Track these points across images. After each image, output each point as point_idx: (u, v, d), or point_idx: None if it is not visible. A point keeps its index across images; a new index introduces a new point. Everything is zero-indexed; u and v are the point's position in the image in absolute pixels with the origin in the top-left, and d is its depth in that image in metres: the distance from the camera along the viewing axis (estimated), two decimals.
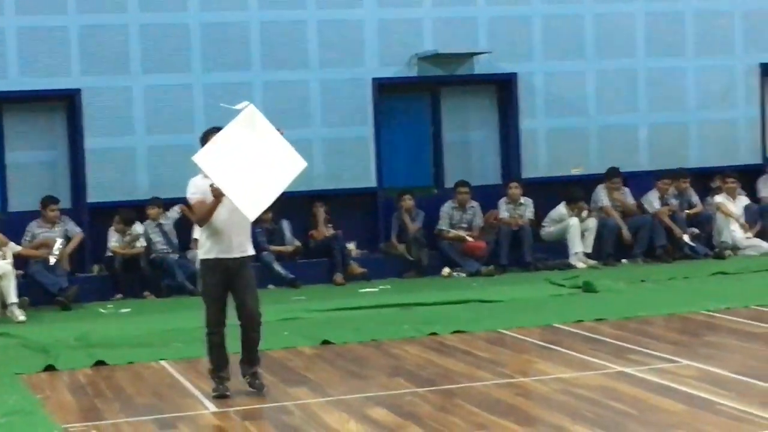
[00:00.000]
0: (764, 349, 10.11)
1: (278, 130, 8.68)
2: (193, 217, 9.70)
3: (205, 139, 8.85)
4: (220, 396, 8.77)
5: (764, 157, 17.64)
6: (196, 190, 8.80)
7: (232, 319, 8.93)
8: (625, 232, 16.21)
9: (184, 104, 15.55)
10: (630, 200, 16.61)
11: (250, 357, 8.92)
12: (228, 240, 8.69)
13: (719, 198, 16.92)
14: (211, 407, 8.63)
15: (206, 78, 15.61)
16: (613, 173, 16.49)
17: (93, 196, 15.28)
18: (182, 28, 15.53)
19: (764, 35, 17.70)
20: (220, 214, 8.63)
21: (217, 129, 8.76)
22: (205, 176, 8.65)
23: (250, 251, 8.89)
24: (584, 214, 16.27)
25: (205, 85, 15.59)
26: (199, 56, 15.59)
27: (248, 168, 8.47)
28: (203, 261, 8.86)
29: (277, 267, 15.06)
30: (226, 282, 8.75)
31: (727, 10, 17.55)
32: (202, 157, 8.57)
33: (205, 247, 8.80)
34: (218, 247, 8.71)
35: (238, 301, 8.83)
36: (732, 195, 16.93)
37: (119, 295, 14.77)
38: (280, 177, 8.58)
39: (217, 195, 8.51)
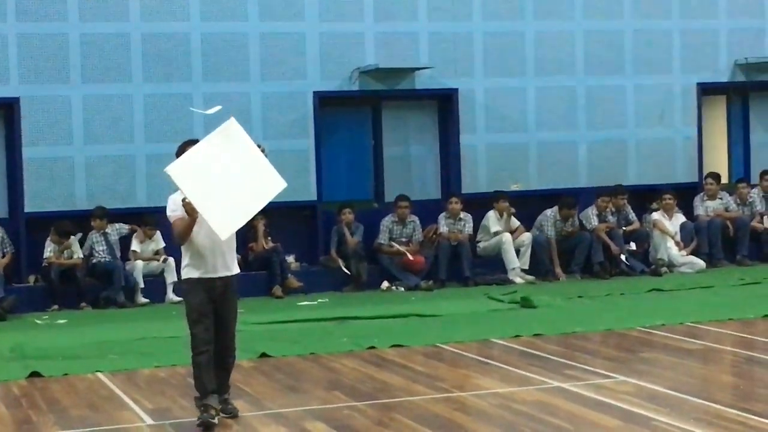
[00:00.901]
0: (699, 366, 10.22)
1: (259, 146, 8.32)
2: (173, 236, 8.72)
3: (181, 152, 8.26)
4: (206, 425, 8.16)
5: (701, 175, 17.84)
6: (176, 207, 8.18)
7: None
8: (558, 271, 16.34)
9: (123, 114, 15.46)
10: (576, 223, 16.71)
11: (223, 383, 8.41)
12: (212, 259, 8.20)
13: (656, 215, 17.09)
14: (148, 420, 8.57)
15: (146, 88, 15.53)
16: (569, 204, 16.53)
17: (30, 205, 15.13)
18: (123, 38, 15.44)
19: (702, 55, 17.93)
20: (202, 232, 8.10)
21: (195, 141, 8.32)
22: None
23: (236, 270, 8.40)
24: (513, 221, 16.36)
25: (146, 95, 15.51)
26: (139, 66, 15.50)
27: (224, 184, 7.99)
28: (186, 281, 8.31)
29: None
30: (211, 300, 8.24)
31: (666, 29, 17.76)
32: (175, 168, 7.98)
33: (188, 267, 8.27)
34: (203, 267, 8.21)
35: (217, 324, 8.29)
36: (668, 212, 17.10)
37: (55, 306, 14.64)
38: (257, 196, 8.15)
39: (191, 211, 7.99)
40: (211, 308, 8.27)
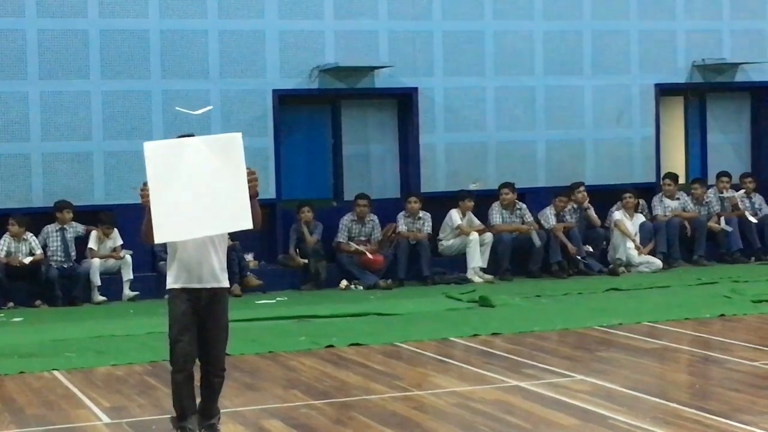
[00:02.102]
0: (655, 365, 10.28)
1: (252, 173, 7.52)
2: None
3: None
4: None
5: (658, 176, 17.94)
6: None
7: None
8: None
9: (81, 111, 15.36)
10: (528, 217, 16.72)
11: (208, 407, 7.69)
12: (197, 267, 7.53)
13: (617, 215, 17.16)
14: (104, 418, 8.52)
15: (105, 85, 15.44)
16: (504, 184, 16.68)
17: None
18: (81, 35, 15.35)
19: (660, 56, 18.03)
20: (191, 243, 7.47)
21: (188, 136, 7.64)
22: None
23: (225, 282, 7.69)
24: (474, 220, 16.37)
25: (104, 92, 15.43)
26: (98, 63, 15.41)
27: (192, 191, 7.19)
28: (169, 291, 7.62)
29: None
30: (196, 312, 7.56)
31: (624, 30, 17.85)
32: (152, 147, 7.19)
33: (171, 276, 7.60)
34: (185, 276, 7.54)
35: (203, 339, 7.59)
36: (629, 212, 17.18)
37: (11, 304, 14.53)
38: (217, 221, 7.30)
39: (144, 198, 7.21)
40: (195, 321, 7.62)
